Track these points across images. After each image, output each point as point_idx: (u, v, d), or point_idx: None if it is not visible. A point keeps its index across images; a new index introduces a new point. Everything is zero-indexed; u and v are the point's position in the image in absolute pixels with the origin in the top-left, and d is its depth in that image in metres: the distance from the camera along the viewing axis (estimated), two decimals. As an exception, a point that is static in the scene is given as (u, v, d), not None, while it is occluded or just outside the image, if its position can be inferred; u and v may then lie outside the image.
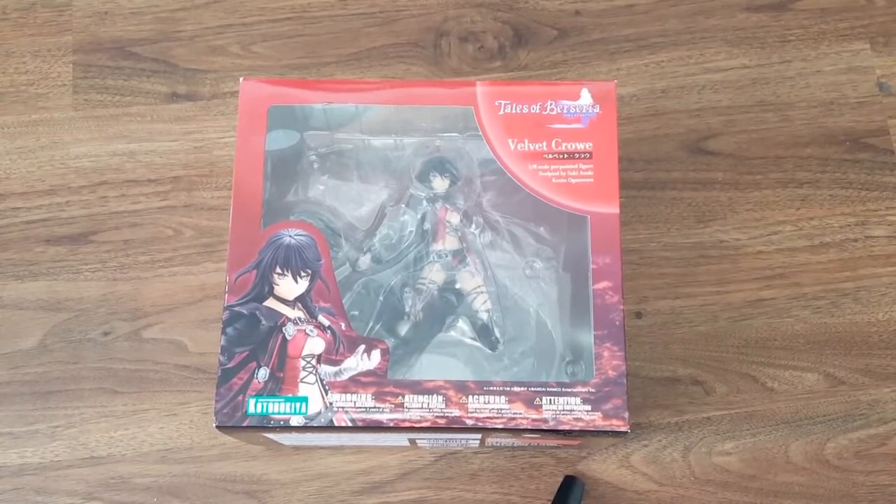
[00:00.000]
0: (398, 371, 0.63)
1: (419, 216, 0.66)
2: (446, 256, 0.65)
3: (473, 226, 0.65)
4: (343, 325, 0.61)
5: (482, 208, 0.66)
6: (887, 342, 0.75)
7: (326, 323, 0.62)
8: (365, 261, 0.65)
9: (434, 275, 0.65)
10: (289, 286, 0.61)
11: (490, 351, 0.65)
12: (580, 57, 0.81)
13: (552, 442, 0.69)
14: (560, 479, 0.71)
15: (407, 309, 0.64)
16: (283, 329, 0.61)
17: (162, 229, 0.77)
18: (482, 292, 0.65)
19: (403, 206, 0.66)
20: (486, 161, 0.64)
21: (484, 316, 0.65)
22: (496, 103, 0.63)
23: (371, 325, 0.64)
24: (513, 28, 0.82)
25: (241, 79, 0.63)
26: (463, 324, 0.65)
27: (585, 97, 0.62)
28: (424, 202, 0.66)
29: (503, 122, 0.63)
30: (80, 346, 0.74)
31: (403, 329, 0.64)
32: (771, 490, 0.71)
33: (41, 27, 0.83)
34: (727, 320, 0.75)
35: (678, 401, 0.73)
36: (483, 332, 0.65)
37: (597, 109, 0.62)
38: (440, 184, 0.65)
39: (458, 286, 0.65)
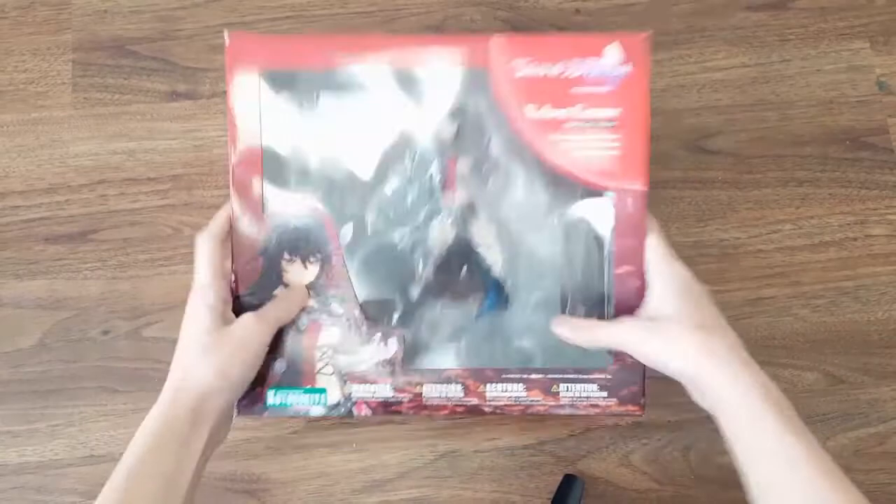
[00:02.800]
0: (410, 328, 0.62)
1: (427, 167, 0.62)
2: (455, 210, 0.62)
3: (483, 174, 0.61)
4: (357, 313, 0.61)
5: (493, 156, 0.61)
6: (887, 341, 0.75)
7: (340, 311, 0.61)
8: (371, 217, 0.62)
9: (444, 230, 0.62)
10: (298, 273, 0.60)
11: (501, 304, 0.63)
12: (580, 56, 0.81)
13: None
14: (560, 478, 0.71)
15: (419, 270, 0.62)
16: (297, 321, 0.61)
17: (161, 228, 0.77)
18: (493, 245, 0.62)
19: (409, 156, 0.62)
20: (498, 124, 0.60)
21: (496, 269, 0.62)
22: (512, 64, 0.56)
23: (381, 288, 0.62)
24: (512, 27, 0.82)
25: (225, 32, 0.60)
26: (474, 278, 0.63)
27: (613, 55, 0.55)
28: (433, 152, 0.61)
29: (520, 86, 0.57)
30: (80, 345, 0.74)
31: (415, 291, 0.62)
32: (770, 489, 0.71)
33: (40, 25, 0.83)
34: (727, 319, 0.75)
35: (678, 399, 0.73)
36: (494, 286, 0.63)
37: (627, 69, 0.55)
38: (448, 130, 0.61)
39: (468, 240, 0.62)
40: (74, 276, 0.76)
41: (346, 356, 0.61)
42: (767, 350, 0.74)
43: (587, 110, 0.56)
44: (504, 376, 0.63)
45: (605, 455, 0.72)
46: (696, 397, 0.58)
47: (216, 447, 0.58)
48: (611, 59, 0.54)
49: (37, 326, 0.75)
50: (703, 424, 0.73)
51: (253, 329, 0.57)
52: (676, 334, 0.56)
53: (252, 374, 0.58)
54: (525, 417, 0.73)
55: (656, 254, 0.59)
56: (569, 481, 0.70)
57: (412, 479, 0.72)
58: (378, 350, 0.62)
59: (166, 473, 0.54)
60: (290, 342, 0.61)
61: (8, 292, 0.76)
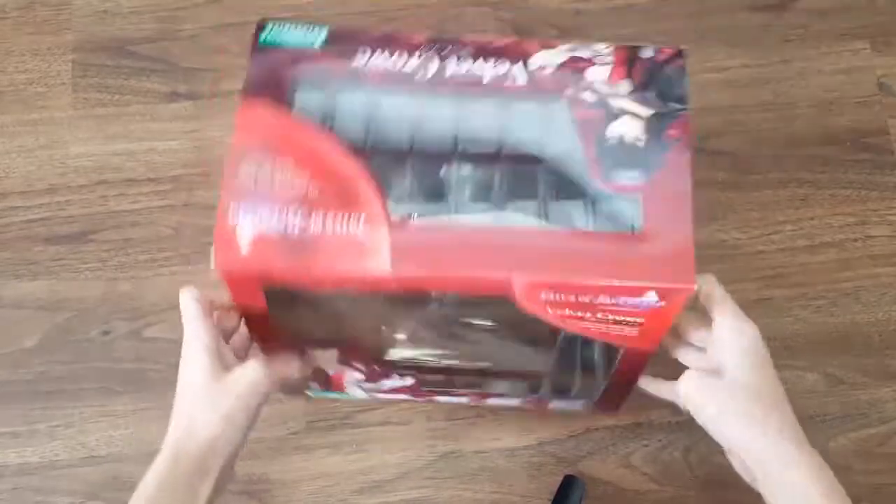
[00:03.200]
0: None
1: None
2: None
3: None
4: (377, 367, 0.63)
5: None
6: (887, 342, 0.75)
7: (361, 367, 0.63)
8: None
9: None
10: (319, 355, 0.62)
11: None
12: (580, 56, 0.81)
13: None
14: (560, 479, 0.71)
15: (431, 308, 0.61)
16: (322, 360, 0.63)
17: (162, 228, 0.77)
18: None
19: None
20: None
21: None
22: (538, 294, 0.49)
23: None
24: (513, 27, 0.82)
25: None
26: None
27: (649, 297, 0.49)
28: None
29: (542, 304, 0.51)
30: (80, 346, 0.74)
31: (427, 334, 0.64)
32: (771, 490, 0.71)
33: (40, 26, 0.83)
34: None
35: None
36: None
37: (660, 305, 0.49)
38: None
39: None
40: (75, 276, 0.76)
41: (370, 384, 0.66)
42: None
43: (610, 317, 0.51)
44: (507, 399, 0.68)
45: (605, 456, 0.72)
46: (741, 470, 0.56)
47: (220, 496, 0.56)
48: (646, 299, 0.49)
49: (37, 327, 0.75)
50: (704, 425, 0.73)
51: (260, 380, 0.54)
52: (733, 404, 0.53)
53: (253, 423, 0.55)
54: (526, 418, 0.73)
55: (725, 306, 0.56)
56: (569, 482, 0.70)
57: (412, 480, 0.72)
58: (396, 381, 0.65)
59: None
60: (320, 377, 0.65)
61: (8, 293, 0.76)
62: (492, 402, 0.70)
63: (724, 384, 0.54)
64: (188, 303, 0.55)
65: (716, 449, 0.72)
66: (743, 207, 0.77)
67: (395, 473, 0.72)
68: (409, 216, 0.48)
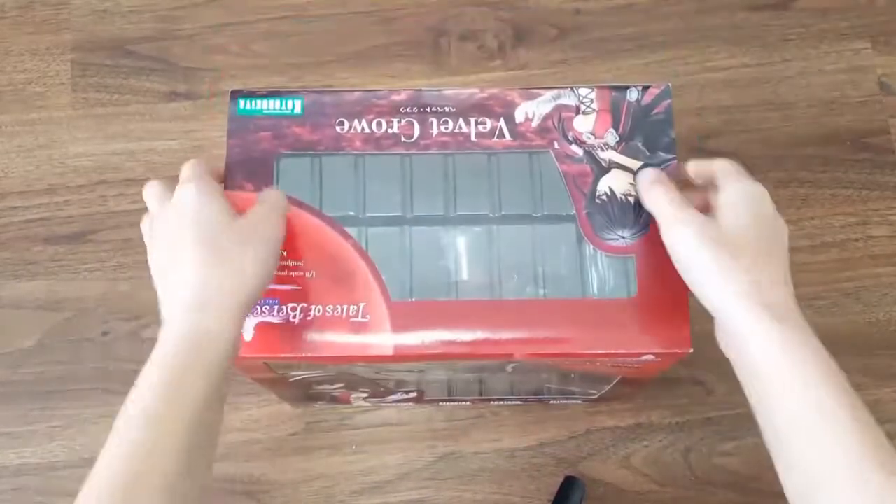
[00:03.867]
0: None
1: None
2: None
3: None
4: (382, 388, 0.64)
5: None
6: (888, 342, 0.74)
7: (366, 388, 0.64)
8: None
9: None
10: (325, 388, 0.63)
11: None
12: (580, 56, 0.81)
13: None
14: (560, 480, 0.71)
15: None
16: (330, 390, 0.64)
17: (161, 229, 0.77)
18: None
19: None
20: None
21: None
22: (541, 359, 0.52)
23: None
24: (513, 27, 0.82)
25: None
26: None
27: (647, 357, 0.51)
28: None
29: (544, 362, 0.54)
30: (79, 346, 0.74)
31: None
32: (771, 491, 0.71)
33: (39, 25, 0.82)
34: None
35: (679, 401, 0.73)
36: None
37: (657, 360, 0.52)
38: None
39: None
40: (74, 276, 0.76)
41: (375, 399, 0.68)
42: (768, 351, 0.74)
43: (609, 364, 0.53)
44: (507, 402, 0.70)
45: (605, 457, 0.72)
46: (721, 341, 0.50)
47: None
48: (643, 358, 0.51)
49: (36, 327, 0.75)
50: (704, 426, 0.73)
51: (275, 221, 0.48)
52: (726, 261, 0.47)
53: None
54: (526, 419, 0.73)
55: (728, 172, 0.53)
56: (569, 483, 0.70)
57: (412, 481, 0.72)
58: (400, 396, 0.67)
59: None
60: (327, 398, 0.66)
61: (7, 293, 0.76)
62: (492, 402, 0.72)
63: (723, 235, 0.47)
64: (195, 163, 0.49)
65: (716, 450, 0.72)
66: (743, 207, 0.77)
67: (394, 474, 0.72)
68: (408, 295, 0.49)
